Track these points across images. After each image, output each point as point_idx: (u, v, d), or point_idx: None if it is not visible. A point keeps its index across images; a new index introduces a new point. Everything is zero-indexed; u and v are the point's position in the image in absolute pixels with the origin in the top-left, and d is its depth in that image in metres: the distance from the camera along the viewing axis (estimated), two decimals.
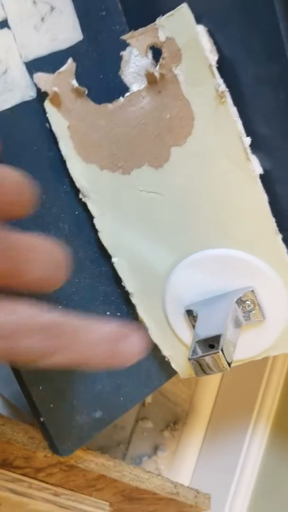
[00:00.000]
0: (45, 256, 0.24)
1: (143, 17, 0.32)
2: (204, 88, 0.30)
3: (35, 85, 0.33)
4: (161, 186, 0.33)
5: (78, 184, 0.34)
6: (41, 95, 0.33)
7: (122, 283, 0.37)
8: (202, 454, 0.65)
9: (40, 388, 0.34)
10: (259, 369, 0.64)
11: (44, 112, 0.33)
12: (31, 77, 0.33)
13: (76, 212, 0.35)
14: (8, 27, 0.32)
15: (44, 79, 0.32)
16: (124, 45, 0.33)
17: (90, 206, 0.35)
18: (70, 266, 0.25)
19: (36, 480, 0.42)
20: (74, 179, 0.34)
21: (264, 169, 0.32)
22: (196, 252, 0.34)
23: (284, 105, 0.30)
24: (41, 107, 0.33)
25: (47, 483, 0.43)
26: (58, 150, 0.34)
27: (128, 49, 0.33)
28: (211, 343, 0.29)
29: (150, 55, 0.32)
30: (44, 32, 0.34)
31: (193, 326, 0.35)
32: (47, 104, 0.33)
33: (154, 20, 0.31)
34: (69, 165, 0.34)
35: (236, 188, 0.32)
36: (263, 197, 0.32)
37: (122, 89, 0.33)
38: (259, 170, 0.32)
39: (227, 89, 0.30)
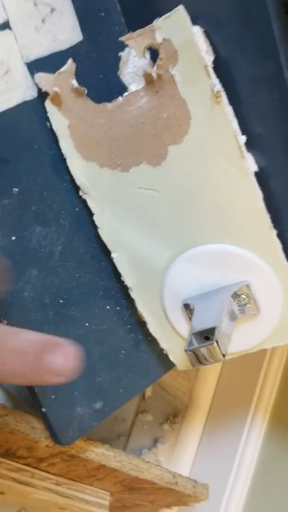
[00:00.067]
0: None
1: (142, 18, 0.33)
2: (200, 88, 0.31)
3: (36, 85, 0.33)
4: (159, 183, 0.34)
5: (78, 182, 0.35)
6: (42, 95, 0.34)
7: (122, 278, 0.37)
8: (201, 446, 0.66)
9: None
10: (257, 363, 0.65)
11: (45, 111, 0.34)
12: (32, 77, 0.33)
13: (77, 209, 0.36)
14: (10, 28, 0.33)
15: (45, 79, 0.33)
16: (123, 45, 0.34)
17: (90, 203, 0.36)
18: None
19: (39, 470, 0.43)
20: (74, 177, 0.35)
21: (259, 167, 0.32)
22: (193, 248, 0.35)
23: (278, 104, 0.31)
24: (42, 106, 0.34)
25: (49, 473, 0.44)
26: (59, 149, 0.35)
27: (126, 50, 0.33)
28: (207, 335, 0.30)
29: (147, 56, 0.33)
30: (44, 33, 0.34)
31: (190, 319, 0.36)
32: (48, 104, 0.34)
33: (152, 21, 0.31)
34: (70, 163, 0.35)
35: (232, 185, 0.33)
36: (258, 194, 0.33)
37: (120, 88, 0.34)
38: (254, 167, 0.32)
39: (222, 89, 0.31)
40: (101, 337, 0.37)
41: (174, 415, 0.66)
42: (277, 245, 0.34)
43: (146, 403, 0.64)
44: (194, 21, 0.31)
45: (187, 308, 0.36)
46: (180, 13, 0.30)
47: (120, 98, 0.33)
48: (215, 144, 0.32)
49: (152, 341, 0.39)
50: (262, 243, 0.34)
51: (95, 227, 0.36)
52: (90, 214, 0.36)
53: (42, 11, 0.34)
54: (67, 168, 0.35)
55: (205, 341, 0.30)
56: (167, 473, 0.46)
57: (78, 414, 0.37)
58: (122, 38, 0.33)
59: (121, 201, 0.35)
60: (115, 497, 0.49)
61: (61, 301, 0.36)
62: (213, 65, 0.31)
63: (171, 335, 0.38)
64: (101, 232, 0.36)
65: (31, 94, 0.34)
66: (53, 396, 0.36)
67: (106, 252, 0.37)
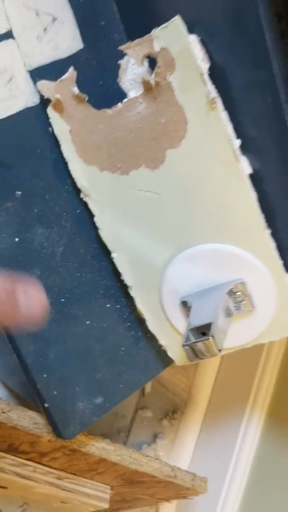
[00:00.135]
0: None
1: (140, 26, 0.34)
2: (196, 95, 0.32)
3: (39, 92, 0.35)
4: (157, 186, 0.35)
5: (79, 185, 0.36)
6: (44, 102, 0.35)
7: (121, 277, 0.39)
8: (200, 441, 0.67)
9: (45, 376, 0.36)
10: (254, 360, 0.66)
11: (47, 117, 0.35)
12: (35, 84, 0.35)
13: (78, 211, 0.37)
14: (13, 38, 0.34)
15: (47, 87, 0.34)
16: (122, 53, 0.35)
17: (91, 205, 0.37)
18: None
19: (41, 464, 0.44)
20: (76, 180, 0.36)
21: (253, 169, 0.34)
22: (190, 247, 0.36)
23: (271, 109, 0.32)
24: (44, 112, 0.35)
25: (51, 467, 0.45)
26: (60, 153, 0.36)
27: (125, 58, 0.34)
28: (203, 330, 0.31)
29: (146, 63, 0.34)
30: (46, 42, 0.36)
31: (188, 316, 0.37)
32: (50, 110, 0.35)
33: (150, 29, 0.33)
34: (71, 166, 0.36)
35: (227, 187, 0.34)
36: (252, 195, 0.34)
37: (120, 95, 0.35)
38: (248, 170, 0.34)
39: (217, 96, 0.32)
40: (102, 334, 0.39)
41: (173, 411, 0.67)
42: (271, 244, 0.35)
43: (145, 399, 0.65)
44: (191, 30, 0.32)
45: (185, 305, 0.37)
46: (177, 23, 0.32)
47: (119, 104, 0.34)
48: (211, 148, 0.33)
49: (151, 338, 0.41)
50: (257, 242, 0.35)
51: (95, 228, 0.38)
52: (91, 215, 0.37)
53: (44, 20, 0.35)
54: (68, 171, 0.36)
55: (201, 336, 0.32)
56: (166, 467, 0.47)
57: (79, 409, 0.38)
58: (121, 47, 0.34)
59: (121, 203, 0.36)
60: (116, 491, 0.50)
61: (63, 300, 0.37)
62: (208, 72, 0.32)
63: (170, 331, 0.40)
64: (102, 233, 0.38)
65: (34, 100, 0.35)
66: (55, 392, 0.37)
67: (106, 252, 0.38)
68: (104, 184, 0.36)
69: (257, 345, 0.39)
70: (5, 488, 0.43)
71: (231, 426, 0.65)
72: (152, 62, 0.34)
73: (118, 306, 0.39)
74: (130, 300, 0.39)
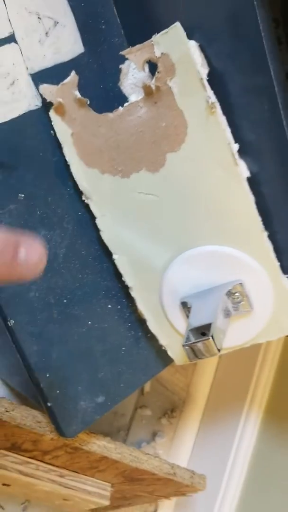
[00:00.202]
0: None
1: (139, 31, 0.35)
2: (196, 100, 0.33)
3: (41, 95, 0.35)
4: (158, 188, 0.36)
5: (81, 187, 0.37)
6: (46, 105, 0.35)
7: (122, 278, 0.39)
8: (199, 439, 0.68)
9: (48, 375, 0.37)
10: (251, 359, 0.67)
11: (49, 120, 0.36)
12: (37, 88, 0.35)
13: (79, 213, 0.38)
14: (15, 41, 0.35)
15: (49, 90, 0.35)
16: (123, 58, 0.35)
17: (92, 207, 0.38)
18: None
19: (43, 462, 0.45)
20: (77, 182, 0.37)
21: (251, 172, 0.34)
22: (190, 249, 0.37)
23: (269, 114, 0.33)
24: (46, 115, 0.35)
25: (53, 465, 0.45)
26: (62, 156, 0.36)
27: (126, 62, 0.35)
28: (203, 331, 0.32)
29: (146, 68, 0.35)
30: (48, 46, 0.36)
31: (188, 317, 0.37)
32: (52, 113, 0.35)
33: (150, 34, 0.33)
34: (73, 169, 0.36)
35: (226, 190, 0.35)
36: (250, 198, 0.35)
37: (121, 99, 0.36)
38: (246, 173, 0.34)
39: (216, 101, 0.33)
40: (103, 334, 0.39)
41: (172, 409, 0.68)
42: (268, 245, 0.36)
43: (145, 398, 0.65)
44: (190, 35, 0.32)
45: (185, 306, 0.38)
46: (177, 29, 0.32)
47: (120, 108, 0.35)
48: (210, 152, 0.34)
49: (151, 338, 0.41)
50: (254, 244, 0.36)
51: (97, 230, 0.38)
52: (92, 217, 0.38)
53: (46, 24, 0.36)
54: (70, 174, 0.37)
55: (201, 336, 0.32)
56: (166, 464, 0.48)
57: (81, 408, 0.39)
58: (123, 52, 0.35)
59: (121, 206, 0.37)
60: (116, 488, 0.50)
61: (65, 301, 0.37)
62: (207, 78, 0.33)
63: (170, 331, 0.40)
64: (103, 234, 0.38)
65: (36, 104, 0.35)
66: (58, 391, 0.37)
67: (108, 254, 0.39)
68: (105, 186, 0.37)
69: (254, 345, 0.39)
70: (8, 485, 0.44)
71: (229, 424, 0.66)
72: (153, 67, 0.34)
73: (119, 306, 0.40)
74: (130, 301, 0.40)
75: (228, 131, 0.33)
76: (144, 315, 0.40)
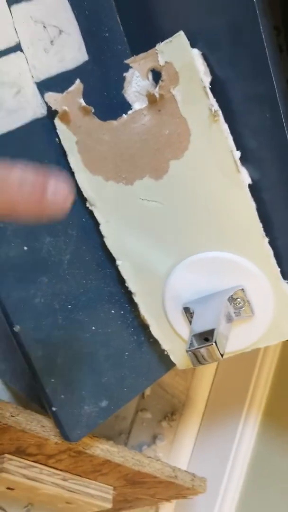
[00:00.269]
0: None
1: (142, 39, 0.35)
2: (199, 108, 0.33)
3: (46, 103, 0.35)
4: (161, 195, 0.36)
5: (85, 194, 0.37)
6: (51, 113, 0.36)
7: (126, 284, 0.40)
8: (198, 442, 0.69)
9: (52, 380, 0.37)
10: (250, 362, 0.67)
11: (54, 128, 0.36)
12: (42, 96, 0.35)
13: (84, 220, 0.38)
14: (21, 50, 0.35)
15: (54, 98, 0.35)
16: (126, 65, 0.36)
17: (96, 214, 0.38)
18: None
19: (47, 466, 0.45)
20: (82, 189, 0.37)
21: (253, 179, 0.35)
22: (192, 255, 0.37)
23: (270, 121, 0.33)
24: (51, 123, 0.36)
25: (57, 468, 0.46)
26: (67, 163, 0.37)
27: (130, 71, 0.36)
28: (206, 336, 0.32)
29: (150, 77, 0.35)
30: (53, 54, 0.36)
31: (190, 322, 0.38)
32: (57, 121, 0.36)
33: (153, 42, 0.33)
34: (77, 176, 0.37)
35: (228, 197, 0.35)
36: (252, 205, 0.35)
37: (125, 106, 0.36)
38: (248, 180, 0.35)
39: (219, 109, 0.33)
40: (107, 339, 0.40)
41: (172, 412, 0.69)
42: (269, 252, 0.36)
43: (145, 401, 0.66)
44: (193, 44, 0.33)
45: (187, 311, 0.38)
46: (181, 37, 0.33)
47: (124, 116, 0.35)
48: (213, 159, 0.34)
49: (154, 343, 0.42)
50: (256, 250, 0.36)
51: (101, 236, 0.38)
52: (96, 224, 0.38)
53: (51, 33, 0.36)
54: (75, 181, 0.37)
55: (204, 342, 0.33)
56: (167, 467, 0.49)
57: (85, 412, 0.39)
58: (127, 61, 0.35)
59: (125, 212, 0.37)
60: (118, 491, 0.51)
61: (70, 306, 0.38)
62: (210, 86, 0.33)
63: (172, 336, 0.41)
64: (107, 241, 0.38)
65: (41, 112, 0.36)
66: (62, 396, 0.38)
67: (111, 260, 0.39)
68: (109, 193, 0.37)
69: (253, 349, 0.40)
70: (12, 489, 0.44)
71: (228, 427, 0.66)
72: (156, 75, 0.35)
73: (122, 312, 0.40)
74: (134, 306, 0.40)
75: (230, 139, 0.34)
76: (147, 320, 0.41)
